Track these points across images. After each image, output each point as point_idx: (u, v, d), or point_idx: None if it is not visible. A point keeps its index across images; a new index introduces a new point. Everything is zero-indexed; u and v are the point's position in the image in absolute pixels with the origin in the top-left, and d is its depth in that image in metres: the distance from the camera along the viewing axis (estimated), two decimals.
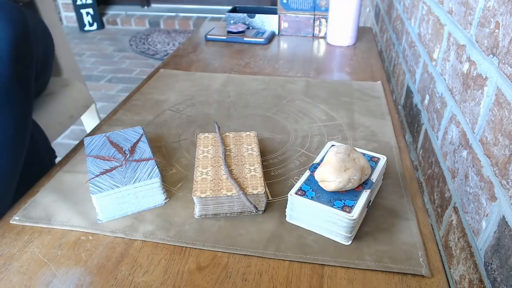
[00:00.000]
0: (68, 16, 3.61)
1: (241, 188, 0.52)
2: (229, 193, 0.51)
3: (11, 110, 0.62)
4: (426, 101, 0.80)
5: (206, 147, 0.60)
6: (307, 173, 0.53)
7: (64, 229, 0.52)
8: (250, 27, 1.23)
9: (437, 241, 0.66)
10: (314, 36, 1.21)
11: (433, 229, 0.59)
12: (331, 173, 0.49)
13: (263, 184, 0.53)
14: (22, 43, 0.65)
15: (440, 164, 0.68)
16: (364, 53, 1.08)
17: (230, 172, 0.55)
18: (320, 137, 0.70)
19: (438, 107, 0.71)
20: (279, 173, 0.61)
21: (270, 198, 0.56)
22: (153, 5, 3.81)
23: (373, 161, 0.56)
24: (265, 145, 0.68)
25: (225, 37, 1.17)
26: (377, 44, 1.37)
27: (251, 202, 0.51)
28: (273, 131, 0.72)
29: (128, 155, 0.58)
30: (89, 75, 2.59)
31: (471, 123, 0.56)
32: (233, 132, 0.64)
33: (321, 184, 0.50)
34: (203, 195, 0.51)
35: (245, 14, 1.22)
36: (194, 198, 0.51)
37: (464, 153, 0.58)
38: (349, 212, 0.47)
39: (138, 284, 0.44)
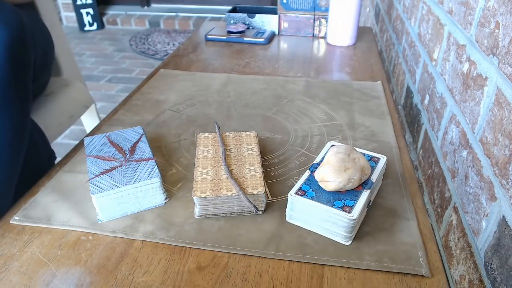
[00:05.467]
0: (68, 16, 3.62)
1: (241, 188, 0.52)
2: (229, 193, 0.51)
3: (9, 112, 0.62)
4: (426, 101, 0.80)
5: (206, 147, 0.60)
6: (307, 173, 0.53)
7: (64, 229, 0.52)
8: (250, 27, 1.23)
9: (437, 241, 0.66)
10: (314, 36, 1.21)
11: (433, 229, 0.59)
12: (331, 173, 0.49)
13: (263, 184, 0.53)
14: (19, 46, 0.65)
15: (440, 164, 0.68)
16: (364, 53, 1.08)
17: (230, 172, 0.55)
18: (320, 137, 0.70)
19: (438, 107, 0.71)
20: (279, 173, 0.61)
21: (270, 198, 0.56)
22: (153, 5, 3.81)
23: (373, 161, 0.56)
24: (265, 145, 0.68)
25: (225, 37, 1.17)
26: (377, 44, 1.37)
27: (251, 202, 0.51)
28: (273, 131, 0.72)
29: (128, 155, 0.58)
30: (89, 75, 2.59)
31: (471, 123, 0.56)
32: (233, 132, 0.64)
33: (321, 184, 0.50)
34: (203, 195, 0.51)
35: (245, 14, 1.22)
36: (194, 198, 0.51)
37: (464, 153, 0.58)
38: (349, 212, 0.47)
39: (138, 284, 0.44)
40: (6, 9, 0.65)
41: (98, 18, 3.47)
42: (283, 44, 1.15)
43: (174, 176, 0.61)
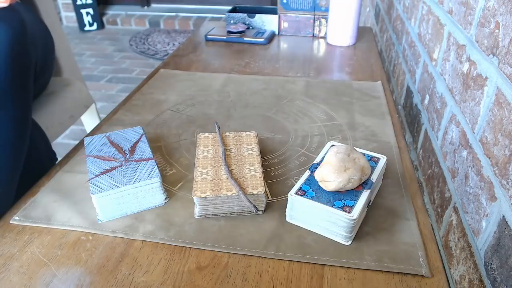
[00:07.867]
0: (68, 16, 3.61)
1: (241, 188, 0.52)
2: (229, 193, 0.51)
3: (10, 112, 0.62)
4: (426, 101, 0.80)
5: (206, 147, 0.60)
6: (307, 173, 0.53)
7: (64, 229, 0.52)
8: (250, 27, 1.23)
9: (437, 241, 0.66)
10: (314, 36, 1.21)
11: (433, 229, 0.59)
12: (331, 173, 0.49)
13: (263, 184, 0.53)
14: (20, 46, 0.65)
15: (440, 164, 0.68)
16: (364, 53, 1.08)
17: (230, 172, 0.55)
18: (320, 137, 0.70)
19: (438, 107, 0.71)
20: (279, 173, 0.61)
21: (270, 198, 0.56)
22: (153, 5, 3.81)
23: (373, 161, 0.56)
24: (265, 145, 0.68)
25: (225, 37, 1.17)
26: (377, 44, 1.37)
27: (251, 202, 0.51)
28: (273, 131, 0.72)
29: (128, 155, 0.58)
30: (89, 75, 2.59)
31: (471, 123, 0.56)
32: (233, 132, 0.64)
33: (321, 184, 0.50)
34: (203, 195, 0.51)
35: (245, 14, 1.22)
36: (194, 198, 0.51)
37: (464, 153, 0.58)
38: (349, 212, 0.47)
39: (138, 284, 0.44)
40: (6, 9, 0.65)
41: (98, 18, 3.46)
42: (283, 44, 1.15)
43: (174, 176, 0.61)
